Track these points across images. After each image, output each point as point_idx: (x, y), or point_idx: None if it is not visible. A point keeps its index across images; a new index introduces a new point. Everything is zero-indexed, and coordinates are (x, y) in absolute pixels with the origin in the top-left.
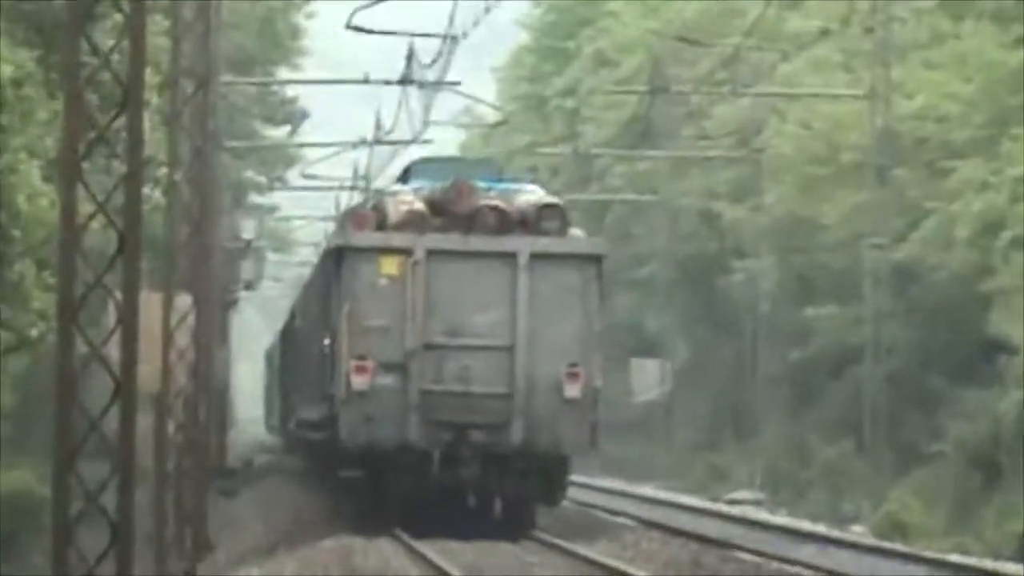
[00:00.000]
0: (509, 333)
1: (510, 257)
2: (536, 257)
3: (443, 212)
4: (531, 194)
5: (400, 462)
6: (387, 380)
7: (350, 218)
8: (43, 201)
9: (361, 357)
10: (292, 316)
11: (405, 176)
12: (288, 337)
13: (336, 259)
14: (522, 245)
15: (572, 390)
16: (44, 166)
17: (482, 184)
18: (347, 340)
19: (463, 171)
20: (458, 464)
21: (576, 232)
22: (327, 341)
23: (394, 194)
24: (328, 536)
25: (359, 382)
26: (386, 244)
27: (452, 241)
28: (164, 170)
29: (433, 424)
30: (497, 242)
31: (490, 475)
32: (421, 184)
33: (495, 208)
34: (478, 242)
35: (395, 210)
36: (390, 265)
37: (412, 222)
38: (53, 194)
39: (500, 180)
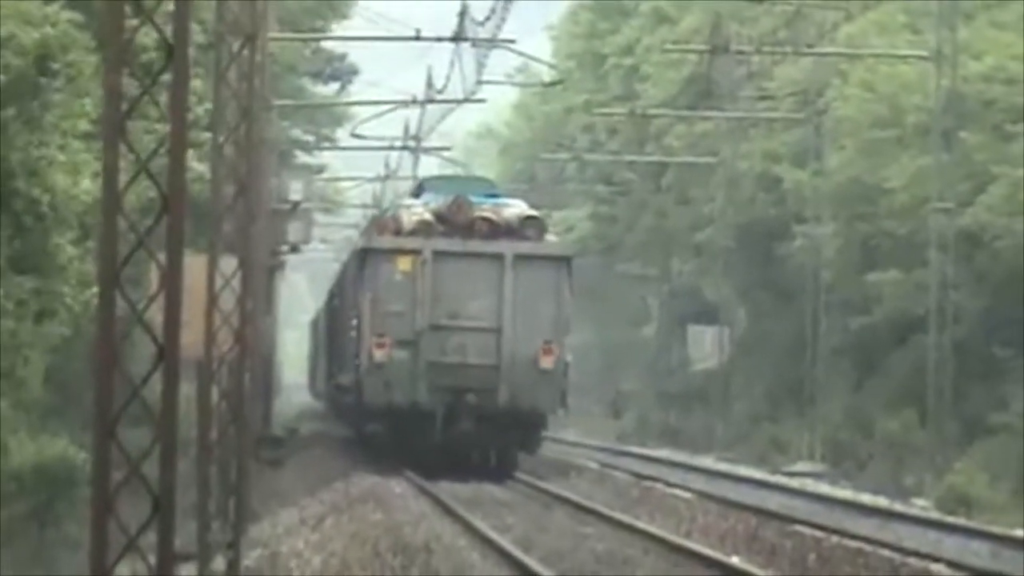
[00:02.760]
0: (497, 317)
1: (498, 257)
2: (519, 258)
3: (446, 221)
4: (516, 208)
5: (411, 418)
6: (401, 353)
7: (374, 225)
8: (85, 175)
9: (381, 335)
10: (331, 296)
11: (418, 191)
12: (328, 313)
13: (362, 257)
14: (508, 248)
15: (546, 362)
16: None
17: (478, 199)
18: (370, 321)
19: (464, 188)
20: (457, 421)
21: (551, 238)
22: (354, 321)
23: (408, 207)
24: (353, 477)
25: (379, 355)
26: (401, 246)
27: (453, 244)
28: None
29: (437, 388)
30: (488, 245)
31: (482, 429)
32: (430, 198)
33: (487, 219)
34: (473, 245)
35: (408, 220)
36: (404, 263)
37: (422, 229)
38: (93, 161)
39: (493, 196)
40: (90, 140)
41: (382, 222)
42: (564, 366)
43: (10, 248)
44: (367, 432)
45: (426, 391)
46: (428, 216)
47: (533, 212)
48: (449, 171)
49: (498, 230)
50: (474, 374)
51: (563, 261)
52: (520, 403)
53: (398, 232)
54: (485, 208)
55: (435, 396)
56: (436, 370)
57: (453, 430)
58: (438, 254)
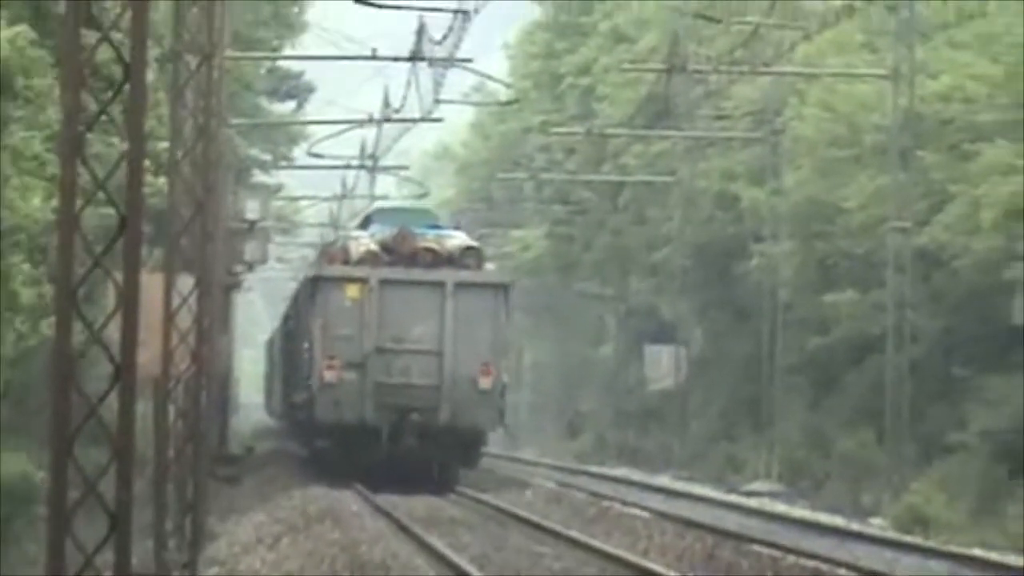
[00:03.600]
0: (438, 341)
1: (440, 285)
2: (459, 285)
3: (391, 252)
4: (456, 238)
5: (359, 435)
6: (350, 374)
7: (324, 255)
8: (36, 195)
9: (331, 357)
10: (285, 319)
11: (365, 223)
12: (283, 335)
13: (313, 284)
14: (449, 276)
15: (485, 383)
16: (43, 140)
17: (421, 231)
18: (321, 344)
19: (408, 221)
20: (401, 437)
21: (489, 267)
22: (306, 344)
23: (356, 238)
24: (310, 495)
25: (329, 375)
26: (349, 275)
27: (398, 273)
28: (164, 145)
29: (383, 407)
30: (431, 274)
31: (425, 445)
32: (376, 229)
33: (429, 249)
34: (417, 274)
35: (356, 250)
36: (352, 290)
37: (368, 259)
38: (44, 182)
39: (435, 227)
40: (40, 161)
41: (332, 252)
42: (502, 386)
43: None
44: (318, 448)
45: (373, 409)
46: (374, 246)
47: (472, 243)
48: (406, 190)
49: (440, 259)
50: (417, 394)
51: (500, 288)
52: (460, 421)
53: (346, 261)
54: (428, 239)
55: (381, 414)
56: (382, 390)
57: (398, 446)
58: (384, 282)
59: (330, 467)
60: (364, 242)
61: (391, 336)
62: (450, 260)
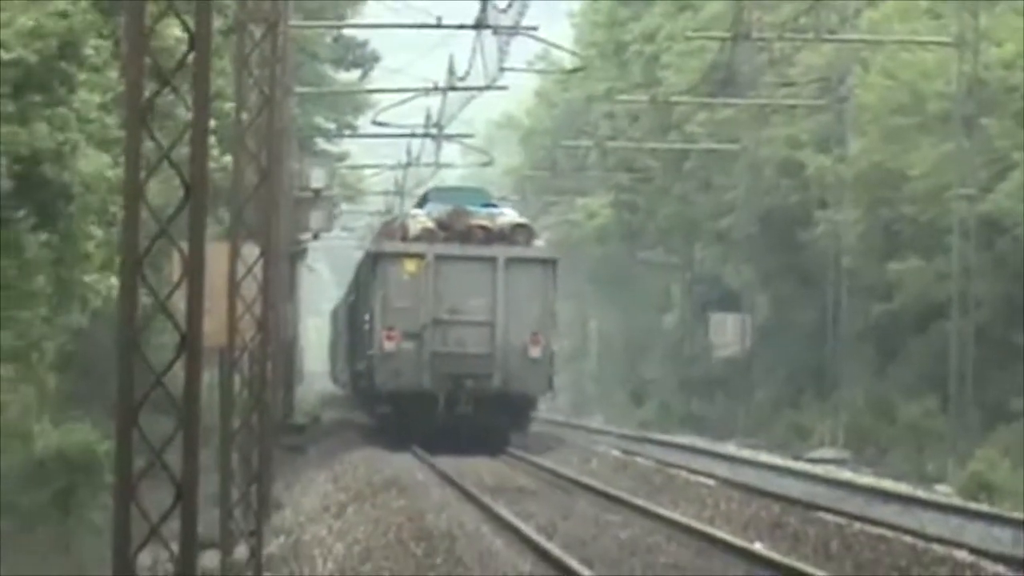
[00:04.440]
0: (491, 312)
1: (492, 260)
2: (510, 260)
3: (447, 228)
4: (508, 216)
5: (417, 401)
6: (408, 344)
7: (383, 232)
8: (104, 159)
9: (390, 328)
10: (348, 292)
11: (422, 201)
12: (346, 307)
13: (373, 260)
14: (500, 252)
15: (535, 352)
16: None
17: (474, 209)
18: (381, 316)
19: (462, 199)
20: (456, 403)
21: (539, 243)
22: (367, 316)
23: (414, 216)
24: (376, 464)
25: (389, 345)
26: (407, 251)
27: (453, 249)
28: (229, 106)
29: (439, 375)
30: (483, 250)
31: (479, 410)
32: (432, 208)
33: (482, 226)
34: (470, 250)
35: (413, 227)
36: (410, 265)
37: (425, 236)
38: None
39: (488, 206)
40: (100, 123)
41: (390, 229)
42: (550, 354)
43: (36, 237)
44: (378, 413)
45: (430, 377)
46: (431, 224)
47: (523, 220)
48: (471, 158)
49: (492, 236)
50: (471, 362)
51: (549, 263)
52: (512, 387)
53: (404, 238)
54: (481, 217)
55: (437, 381)
56: (438, 359)
57: (453, 411)
58: (440, 257)
59: (390, 432)
60: (421, 220)
61: (446, 308)
62: (501, 237)
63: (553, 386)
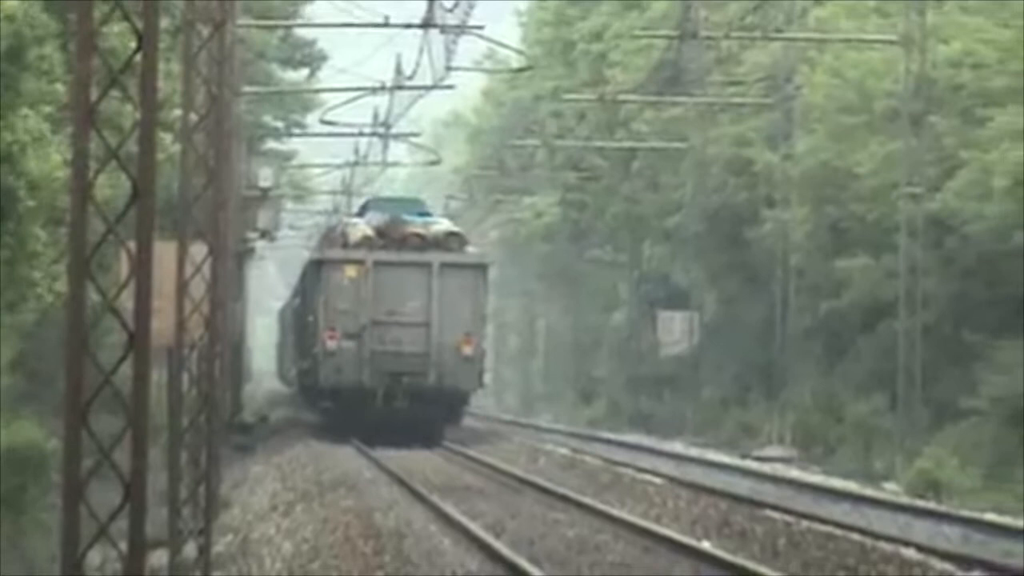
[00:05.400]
0: (426, 314)
1: (427, 266)
2: (444, 265)
3: (385, 236)
4: (442, 224)
5: (357, 396)
6: (349, 344)
7: (325, 240)
8: (54, 158)
9: (332, 329)
10: (294, 294)
11: (362, 211)
12: (292, 308)
13: (317, 266)
14: (435, 258)
15: (467, 350)
16: (53, 113)
17: (411, 217)
18: (324, 318)
19: (399, 209)
20: (394, 398)
21: (471, 249)
22: (311, 318)
23: (354, 224)
24: (323, 463)
25: (331, 345)
26: (348, 257)
27: (390, 255)
28: (177, 112)
29: (378, 372)
30: (419, 256)
31: (415, 405)
32: (371, 216)
33: (418, 234)
34: (407, 256)
35: (354, 234)
36: (351, 271)
37: (365, 243)
38: (63, 146)
39: (423, 215)
40: (56, 123)
41: (332, 236)
42: (482, 353)
43: None
44: (322, 408)
45: (369, 374)
46: (370, 232)
47: (455, 229)
48: (418, 157)
49: (427, 243)
50: (408, 360)
51: (480, 268)
52: (446, 383)
53: (345, 245)
54: (417, 225)
55: (377, 378)
56: (377, 357)
57: (392, 405)
58: (378, 263)
59: (333, 426)
60: (361, 228)
61: (385, 310)
62: (436, 244)
63: (484, 383)
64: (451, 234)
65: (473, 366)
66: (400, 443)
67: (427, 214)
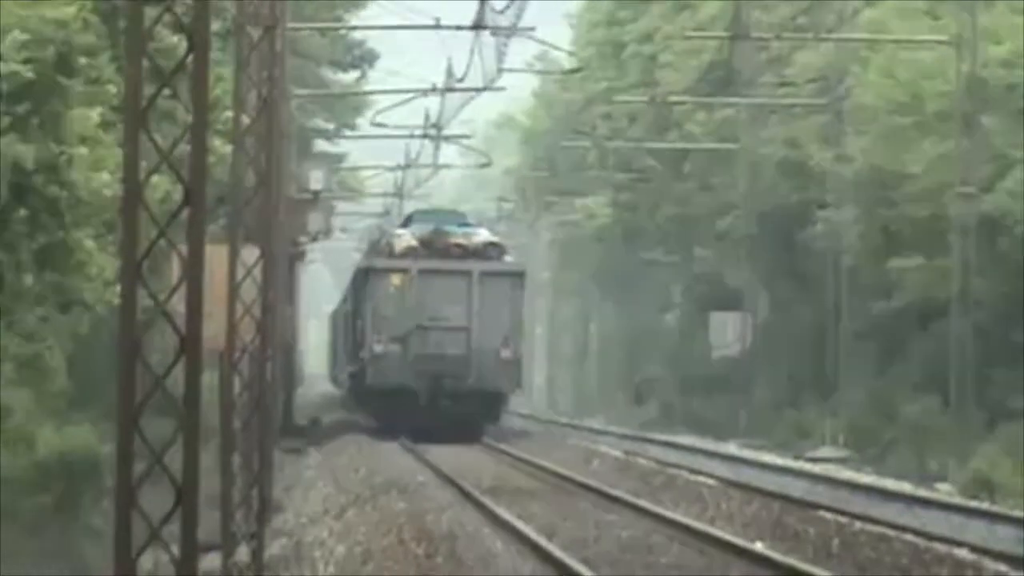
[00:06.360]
0: (467, 319)
1: (468, 274)
2: (483, 274)
3: (428, 246)
4: (482, 235)
5: (402, 397)
6: (394, 347)
7: (372, 250)
8: (106, 164)
9: (379, 333)
10: (344, 299)
11: (406, 222)
12: (343, 313)
13: (364, 274)
14: (475, 266)
15: (506, 353)
16: (105, 113)
17: (452, 228)
18: (371, 323)
19: (442, 220)
20: (437, 398)
21: (509, 258)
22: (359, 323)
23: (399, 235)
24: (376, 465)
25: (378, 348)
26: (394, 266)
27: (433, 264)
28: (228, 114)
29: (422, 374)
30: (460, 264)
31: (456, 405)
32: (416, 227)
33: (460, 244)
34: (449, 265)
35: (399, 245)
36: (396, 279)
37: (410, 252)
38: (113, 155)
39: (464, 225)
40: (108, 130)
41: (379, 246)
42: (519, 356)
43: (32, 244)
44: (369, 409)
45: (413, 376)
46: (414, 242)
47: (494, 239)
48: (470, 159)
49: (467, 252)
50: (449, 363)
51: (517, 276)
52: (485, 384)
53: (391, 255)
54: (458, 235)
55: (420, 380)
56: (421, 360)
57: (434, 406)
58: (422, 271)
59: (380, 425)
60: (406, 238)
61: (428, 316)
62: (476, 253)
63: (521, 384)
64: (490, 244)
65: (510, 368)
66: (442, 439)
67: (468, 225)
